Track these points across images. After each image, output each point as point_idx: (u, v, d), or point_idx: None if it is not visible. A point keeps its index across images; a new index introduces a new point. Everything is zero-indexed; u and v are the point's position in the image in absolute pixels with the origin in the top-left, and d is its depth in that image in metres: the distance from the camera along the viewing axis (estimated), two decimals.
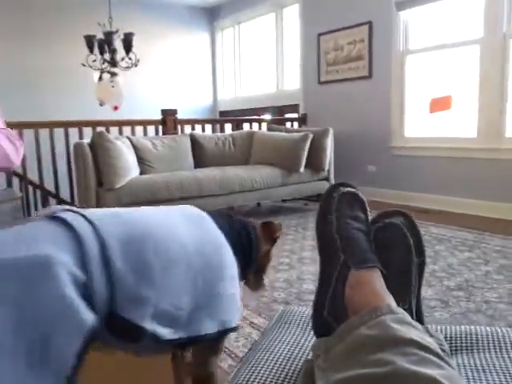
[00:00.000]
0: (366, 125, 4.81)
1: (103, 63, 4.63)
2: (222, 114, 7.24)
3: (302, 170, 4.12)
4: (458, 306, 2.04)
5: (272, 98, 6.29)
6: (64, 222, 0.80)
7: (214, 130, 5.00)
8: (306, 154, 4.10)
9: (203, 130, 4.89)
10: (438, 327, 0.92)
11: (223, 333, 0.93)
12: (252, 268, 1.11)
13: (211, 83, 7.38)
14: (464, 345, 0.85)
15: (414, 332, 0.62)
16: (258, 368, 0.77)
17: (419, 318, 0.80)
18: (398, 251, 0.80)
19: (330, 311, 0.78)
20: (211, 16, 7.17)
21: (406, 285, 0.79)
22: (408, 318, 0.67)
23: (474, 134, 3.95)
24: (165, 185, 3.45)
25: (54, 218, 0.83)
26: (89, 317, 0.71)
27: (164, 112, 4.47)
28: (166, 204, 3.34)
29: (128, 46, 4.59)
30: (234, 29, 7.01)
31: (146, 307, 0.81)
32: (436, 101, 4.13)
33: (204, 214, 1.01)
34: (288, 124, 5.42)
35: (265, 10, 6.27)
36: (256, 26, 6.63)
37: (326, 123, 4.71)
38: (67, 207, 0.87)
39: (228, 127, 5.32)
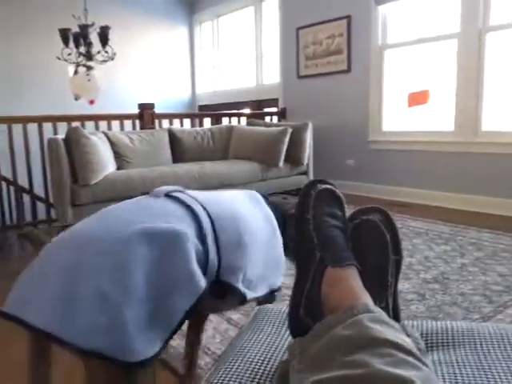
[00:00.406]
0: (345, 119, 4.83)
1: (78, 57, 4.53)
2: (202, 108, 7.19)
3: (281, 164, 4.11)
4: (434, 299, 2.06)
5: (251, 92, 6.26)
6: (180, 201, 0.97)
7: (192, 125, 4.95)
8: (285, 148, 4.09)
9: (182, 124, 4.84)
10: (415, 323, 0.92)
11: (270, 293, 1.10)
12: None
13: (190, 77, 7.30)
14: (440, 341, 0.85)
15: (391, 331, 0.62)
16: (233, 370, 0.75)
17: (396, 316, 0.80)
18: (375, 248, 0.80)
19: (307, 310, 0.77)
20: (190, 9, 7.09)
21: (382, 282, 0.78)
22: (385, 316, 0.67)
23: (451, 127, 4.00)
24: (141, 180, 3.40)
25: (170, 196, 1.00)
26: (203, 282, 0.86)
27: (141, 106, 4.40)
28: None
29: (104, 40, 4.50)
30: (212, 22, 6.94)
31: (239, 274, 0.97)
32: (414, 95, 4.17)
33: (259, 197, 1.19)
34: (267, 118, 5.40)
35: (244, 3, 6.23)
36: (235, 20, 6.58)
37: (305, 117, 4.71)
38: (177, 188, 1.05)
39: (208, 122, 5.28)
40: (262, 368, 0.74)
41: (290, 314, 0.79)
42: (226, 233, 0.95)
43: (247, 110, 5.86)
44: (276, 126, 4.49)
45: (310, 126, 4.33)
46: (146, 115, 4.35)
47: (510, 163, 3.60)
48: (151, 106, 4.38)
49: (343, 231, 0.81)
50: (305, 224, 0.80)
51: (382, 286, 0.78)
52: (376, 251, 0.79)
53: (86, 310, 0.76)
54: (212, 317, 1.94)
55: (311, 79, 5.15)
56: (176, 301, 0.83)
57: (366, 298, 0.71)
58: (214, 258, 0.92)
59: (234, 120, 5.21)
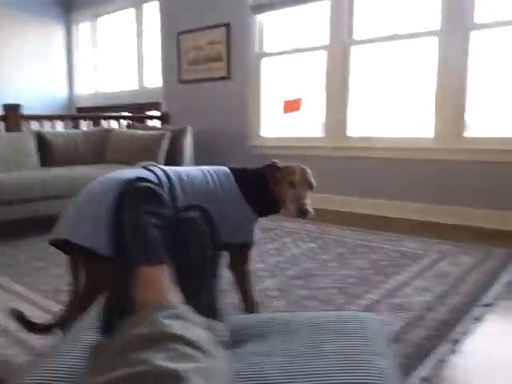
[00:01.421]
0: (226, 124, 4.92)
1: None
2: (80, 110, 6.82)
3: None
4: (295, 294, 2.18)
5: (134, 96, 6.10)
6: (148, 169, 1.48)
7: (67, 127, 4.68)
8: (164, 152, 4.05)
9: (54, 126, 4.55)
10: (242, 317, 0.97)
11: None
12: (266, 204, 1.62)
13: (66, 77, 6.90)
14: (259, 332, 0.90)
15: (183, 326, 0.64)
16: (43, 375, 0.73)
17: (213, 311, 0.83)
18: (193, 245, 0.83)
19: (119, 312, 0.77)
20: (66, 7, 6.71)
21: (199, 278, 0.81)
22: (186, 312, 0.69)
23: (319, 133, 4.29)
24: None
25: (144, 167, 1.50)
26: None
27: (6, 107, 4.07)
28: (5, 208, 3.04)
29: None
30: (91, 22, 6.65)
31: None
32: (288, 103, 4.39)
33: (228, 172, 1.62)
34: (150, 122, 5.30)
35: (123, 4, 6.06)
36: (115, 21, 6.37)
37: (188, 122, 4.71)
38: (152, 163, 1.56)
39: (89, 124, 5.02)
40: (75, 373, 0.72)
41: (102, 317, 0.79)
42: (180, 185, 1.46)
43: (128, 113, 5.69)
44: (155, 129, 4.43)
45: (190, 130, 4.34)
46: (11, 117, 4.03)
47: (378, 165, 3.95)
48: (17, 106, 4.07)
49: (162, 229, 0.82)
50: (119, 224, 0.80)
51: (199, 283, 0.81)
52: (194, 248, 0.82)
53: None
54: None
55: (193, 84, 5.17)
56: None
57: (173, 296, 0.73)
58: (169, 200, 1.22)
59: (118, 123, 5.04)
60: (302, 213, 1.52)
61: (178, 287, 0.76)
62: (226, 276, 1.57)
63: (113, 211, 0.92)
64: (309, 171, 1.62)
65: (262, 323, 0.91)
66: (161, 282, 0.75)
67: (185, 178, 1.52)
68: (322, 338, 0.83)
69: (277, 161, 1.67)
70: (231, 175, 1.63)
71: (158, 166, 1.53)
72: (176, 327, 0.63)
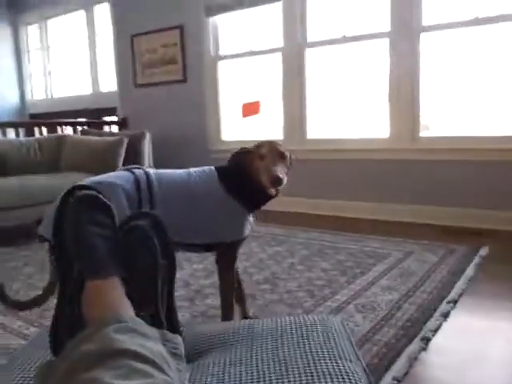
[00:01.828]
0: (185, 128, 4.82)
1: None
2: (33, 116, 6.55)
3: None
4: (263, 298, 2.13)
5: (89, 101, 5.91)
6: (131, 171, 1.49)
7: (18, 135, 4.46)
8: (121, 158, 3.92)
9: (4, 134, 4.33)
10: (203, 326, 0.90)
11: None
12: (254, 195, 1.59)
13: (16, 83, 6.61)
14: (221, 341, 0.84)
15: (135, 340, 0.58)
16: None
17: (171, 322, 0.76)
18: (143, 254, 0.75)
19: (67, 327, 0.69)
20: (13, 8, 6.43)
21: (151, 289, 0.74)
22: (139, 325, 0.62)
23: (280, 136, 4.27)
24: None
25: (127, 169, 1.51)
26: (127, 212, 1.24)
27: None
28: None
29: None
30: (41, 24, 6.40)
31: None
32: (247, 106, 4.34)
33: (213, 172, 1.61)
34: (107, 128, 5.14)
35: (73, 6, 5.86)
36: (66, 23, 6.16)
37: (146, 126, 4.58)
38: (136, 166, 1.54)
39: (44, 131, 4.80)
40: None
41: (50, 332, 0.71)
42: (160, 188, 1.46)
43: (83, 119, 5.50)
44: (112, 135, 4.29)
45: (148, 135, 4.23)
46: None
47: (332, 167, 3.96)
48: None
49: (109, 239, 0.74)
50: (63, 235, 0.72)
51: (151, 294, 0.74)
52: (144, 258, 0.75)
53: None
54: None
55: (149, 88, 5.05)
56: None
57: (123, 309, 0.66)
58: (147, 203, 1.40)
59: (74, 129, 4.85)
60: (275, 180, 1.49)
61: (129, 299, 0.69)
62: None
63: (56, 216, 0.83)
64: (278, 143, 1.61)
65: (226, 331, 0.85)
66: (110, 295, 0.68)
67: (165, 179, 1.53)
68: (285, 344, 0.79)
69: (246, 146, 1.65)
70: (215, 174, 1.60)
71: (143, 168, 1.55)
72: (127, 342, 0.56)
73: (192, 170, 1.65)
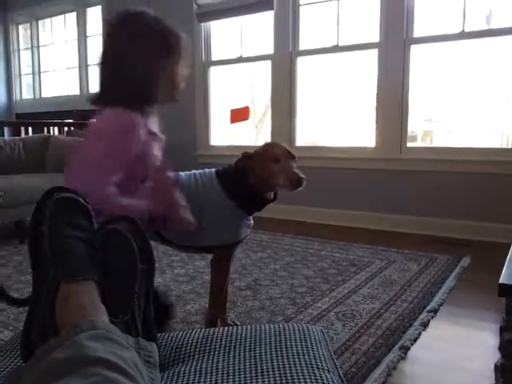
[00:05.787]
0: (174, 133, 4.68)
1: None
2: (20, 116, 6.48)
3: None
4: (245, 305, 2.12)
5: (77, 102, 5.85)
6: None
7: (3, 134, 4.41)
8: None
9: None
10: (180, 333, 0.90)
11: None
12: (252, 198, 1.58)
13: (4, 82, 6.54)
14: (198, 349, 0.84)
15: (108, 348, 0.57)
16: None
17: (147, 329, 0.76)
18: (120, 258, 0.75)
19: (40, 333, 0.68)
20: (2, 7, 6.37)
21: (127, 294, 0.74)
22: (113, 332, 0.62)
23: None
24: None
25: None
26: None
27: None
28: None
29: None
30: (31, 25, 6.35)
31: None
32: (235, 111, 4.34)
33: (213, 174, 1.61)
34: None
35: (65, 7, 5.83)
36: (58, 24, 6.12)
37: None
38: None
39: (29, 131, 4.74)
40: None
41: (21, 339, 0.70)
42: None
43: (71, 120, 5.45)
44: None
45: None
46: None
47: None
48: None
49: (87, 242, 0.74)
50: (39, 237, 0.72)
51: (128, 299, 0.73)
52: (122, 261, 0.75)
53: None
54: None
55: None
56: None
57: (96, 314, 0.65)
58: None
59: (60, 130, 4.79)
60: (297, 182, 1.48)
61: (104, 305, 0.69)
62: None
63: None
64: (283, 144, 1.61)
65: (203, 339, 0.85)
66: (84, 300, 0.67)
67: None
68: (263, 352, 0.79)
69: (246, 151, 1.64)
70: (215, 177, 1.60)
71: None
72: (100, 350, 0.56)
73: (194, 172, 1.66)
